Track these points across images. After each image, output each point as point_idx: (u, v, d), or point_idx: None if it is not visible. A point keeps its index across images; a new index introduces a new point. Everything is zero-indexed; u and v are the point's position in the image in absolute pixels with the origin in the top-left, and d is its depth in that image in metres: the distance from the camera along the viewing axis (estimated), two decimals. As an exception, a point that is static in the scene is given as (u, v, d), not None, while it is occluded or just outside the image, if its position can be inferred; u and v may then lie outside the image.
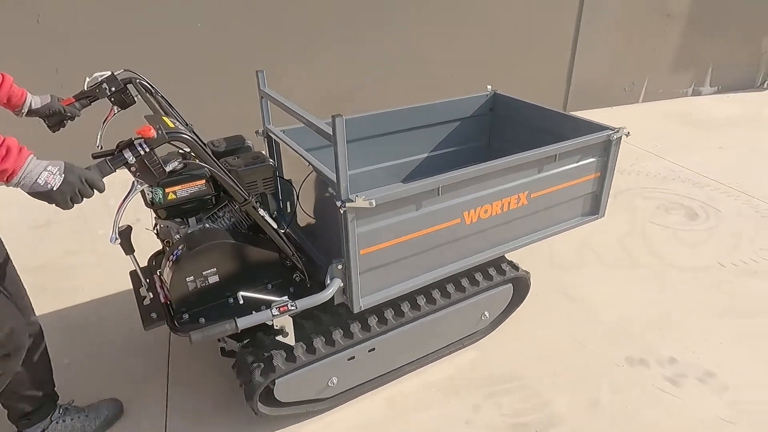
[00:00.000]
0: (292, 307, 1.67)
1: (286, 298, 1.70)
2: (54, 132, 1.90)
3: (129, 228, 1.70)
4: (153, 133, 1.31)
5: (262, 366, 1.80)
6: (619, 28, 5.70)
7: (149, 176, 1.37)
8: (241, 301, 1.60)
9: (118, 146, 1.34)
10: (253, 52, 4.38)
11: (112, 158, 1.32)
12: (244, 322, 1.62)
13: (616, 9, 5.59)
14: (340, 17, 4.55)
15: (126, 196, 1.41)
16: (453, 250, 2.02)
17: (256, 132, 2.31)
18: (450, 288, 2.13)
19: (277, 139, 2.23)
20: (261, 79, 2.19)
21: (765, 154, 4.76)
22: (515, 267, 2.31)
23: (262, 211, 1.70)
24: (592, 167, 2.27)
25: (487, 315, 2.31)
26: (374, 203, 1.68)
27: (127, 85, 1.90)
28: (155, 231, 2.00)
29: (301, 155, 1.95)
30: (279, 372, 1.78)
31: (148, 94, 1.85)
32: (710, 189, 4.06)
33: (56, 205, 1.31)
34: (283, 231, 1.88)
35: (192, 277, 1.75)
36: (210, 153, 1.52)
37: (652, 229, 3.49)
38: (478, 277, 2.19)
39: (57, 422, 1.90)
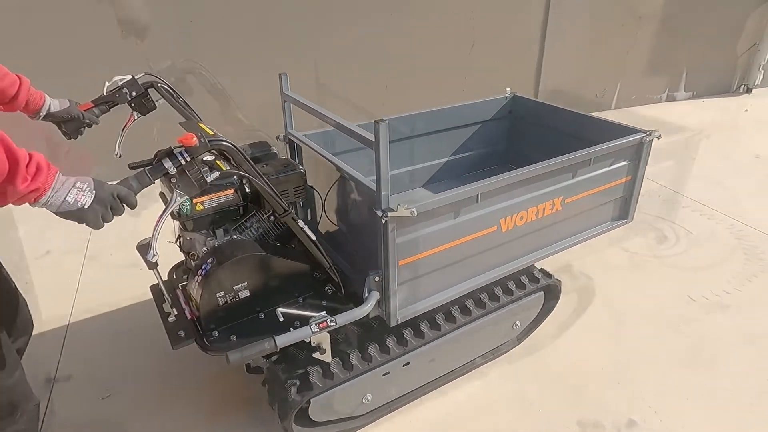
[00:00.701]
0: (332, 323, 1.58)
1: (324, 313, 1.61)
2: (70, 139, 1.79)
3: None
4: (195, 141, 1.22)
5: (298, 383, 1.71)
6: (589, 32, 5.35)
7: (190, 187, 1.27)
8: (281, 318, 1.51)
9: (156, 155, 1.25)
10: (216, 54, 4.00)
11: (151, 168, 1.22)
12: (282, 341, 1.53)
13: (585, 11, 5.22)
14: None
15: (164, 210, 1.31)
16: (488, 259, 1.96)
17: (277, 137, 2.22)
18: (484, 298, 2.06)
19: (301, 145, 2.15)
20: (284, 81, 2.11)
21: (740, 165, 4.46)
22: (548, 275, 2.25)
23: (301, 223, 1.61)
24: (624, 171, 2.22)
25: (519, 324, 2.25)
26: (416, 212, 1.60)
27: (148, 90, 1.80)
28: (178, 243, 1.90)
29: (332, 162, 1.87)
30: (317, 390, 1.70)
31: (172, 99, 1.75)
32: (682, 206, 3.74)
33: (86, 224, 1.21)
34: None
35: (222, 292, 1.65)
36: (252, 162, 1.43)
37: (616, 256, 3.14)
38: (511, 285, 2.12)
39: None
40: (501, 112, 2.86)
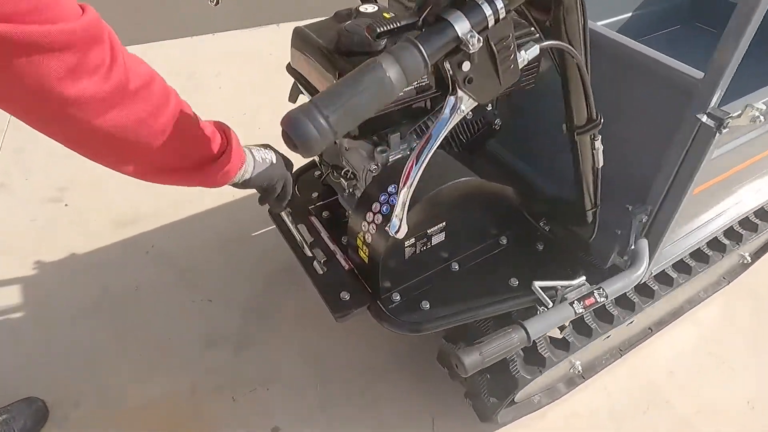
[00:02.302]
0: (602, 299, 0.99)
1: (584, 279, 1.01)
2: None
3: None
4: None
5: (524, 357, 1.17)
6: None
7: (489, 80, 0.58)
8: (546, 298, 0.92)
9: (424, 8, 0.53)
10: None
11: (424, 37, 0.51)
12: (537, 329, 0.94)
13: None
14: None
15: (430, 137, 0.61)
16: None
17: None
18: (740, 230, 1.46)
19: None
20: None
21: None
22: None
23: (599, 142, 0.92)
24: None
25: (748, 258, 1.67)
26: (762, 118, 0.92)
27: None
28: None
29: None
30: (549, 364, 1.16)
31: None
32: None
33: None
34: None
35: (413, 239, 1.04)
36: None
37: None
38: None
39: None
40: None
